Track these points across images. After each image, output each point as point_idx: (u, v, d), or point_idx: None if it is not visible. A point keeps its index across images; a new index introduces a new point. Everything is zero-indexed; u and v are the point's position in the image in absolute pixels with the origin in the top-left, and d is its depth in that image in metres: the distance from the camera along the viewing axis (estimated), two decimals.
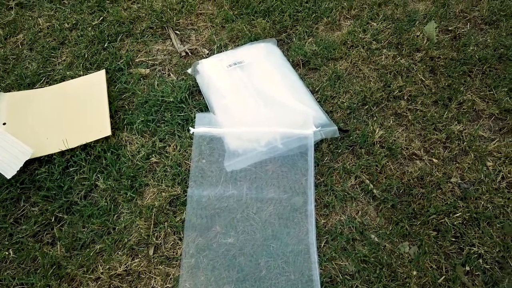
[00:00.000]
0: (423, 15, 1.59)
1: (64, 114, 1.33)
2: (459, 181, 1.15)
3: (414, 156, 1.21)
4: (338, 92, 1.35)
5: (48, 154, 1.23)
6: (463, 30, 1.54)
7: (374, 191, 1.13)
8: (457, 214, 1.08)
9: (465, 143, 1.22)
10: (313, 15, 1.60)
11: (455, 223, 1.07)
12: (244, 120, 1.19)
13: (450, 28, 1.55)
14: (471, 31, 1.53)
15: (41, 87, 1.41)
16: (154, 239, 1.07)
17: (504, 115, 1.29)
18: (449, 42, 1.50)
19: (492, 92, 1.34)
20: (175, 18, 1.62)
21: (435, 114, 1.29)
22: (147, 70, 1.46)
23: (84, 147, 1.23)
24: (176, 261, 1.04)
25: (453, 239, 1.05)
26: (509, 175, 1.15)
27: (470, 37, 1.50)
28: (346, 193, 1.13)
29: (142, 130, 1.28)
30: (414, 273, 0.99)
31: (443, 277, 0.99)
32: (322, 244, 1.05)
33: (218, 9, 1.65)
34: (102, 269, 1.03)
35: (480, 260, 1.02)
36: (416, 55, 1.45)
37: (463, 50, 1.46)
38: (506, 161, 1.18)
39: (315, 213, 1.10)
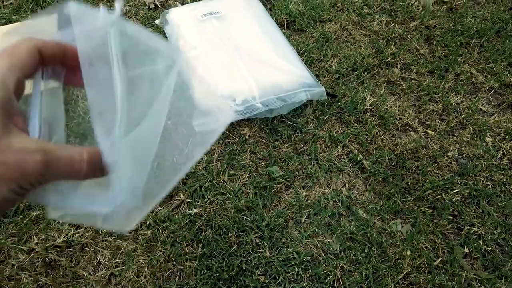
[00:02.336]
0: None
1: None
2: (457, 155, 1.03)
3: (408, 127, 1.08)
4: (326, 55, 1.20)
5: None
6: (459, 2, 1.43)
7: (364, 162, 0.99)
8: (455, 191, 0.96)
9: (463, 115, 1.10)
10: None
11: (453, 200, 0.94)
12: (216, 74, 1.03)
13: (445, 0, 1.44)
14: (467, 4, 1.42)
15: None
16: None
17: (503, 89, 1.18)
18: (445, 13, 1.38)
19: (491, 65, 1.23)
20: None
21: (431, 84, 1.16)
22: None
23: None
24: (129, 233, 0.87)
25: (451, 218, 0.92)
26: (510, 151, 1.04)
27: (467, 9, 1.39)
28: (332, 164, 0.99)
29: None
30: (408, 253, 0.86)
31: (440, 259, 0.86)
32: (303, 219, 0.90)
33: None
34: (37, 239, 0.85)
35: (480, 242, 0.89)
36: (411, 23, 1.33)
37: (460, 22, 1.35)
38: (507, 137, 1.07)
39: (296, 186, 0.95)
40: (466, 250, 0.89)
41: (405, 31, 1.30)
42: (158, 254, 0.84)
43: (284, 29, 1.28)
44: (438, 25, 1.33)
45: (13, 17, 1.24)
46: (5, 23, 1.23)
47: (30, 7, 1.26)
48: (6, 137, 0.22)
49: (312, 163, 0.99)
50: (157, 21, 1.23)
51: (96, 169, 0.25)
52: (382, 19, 1.33)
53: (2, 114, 0.23)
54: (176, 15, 1.15)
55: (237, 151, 0.99)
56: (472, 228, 0.91)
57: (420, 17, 1.34)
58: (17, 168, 0.22)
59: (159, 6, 1.33)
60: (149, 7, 1.33)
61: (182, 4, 1.33)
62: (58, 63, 0.28)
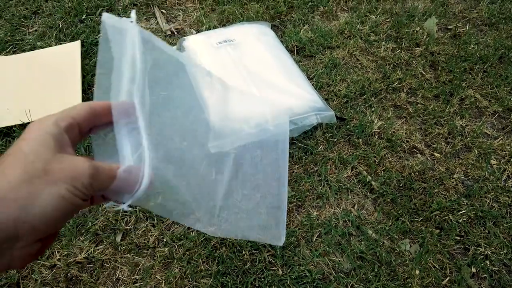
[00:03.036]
0: (422, 12, 1.53)
1: (31, 85, 1.18)
2: (463, 177, 1.06)
3: (414, 150, 1.11)
4: (335, 80, 1.25)
5: (8, 126, 1.08)
6: (462, 29, 1.49)
7: (372, 183, 1.02)
8: (462, 212, 0.99)
9: (468, 139, 1.13)
10: (309, 4, 1.52)
11: (460, 220, 0.97)
12: (232, 99, 1.08)
13: (449, 27, 1.49)
14: (471, 31, 1.48)
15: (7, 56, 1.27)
16: (123, 224, 0.93)
17: (507, 113, 1.22)
18: (449, 40, 1.44)
19: (494, 90, 1.27)
20: None
21: (436, 108, 1.20)
22: None
23: None
24: (147, 250, 0.90)
25: (458, 238, 0.95)
26: None
27: (470, 36, 1.45)
28: (341, 184, 1.03)
29: None
30: (416, 272, 0.88)
31: (448, 278, 0.89)
32: (314, 238, 0.93)
33: None
34: (59, 255, 0.88)
35: (487, 262, 0.92)
36: (416, 50, 1.38)
37: (463, 48, 1.40)
38: (511, 160, 1.10)
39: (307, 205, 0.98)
40: (474, 270, 0.91)
41: (411, 57, 1.35)
42: (175, 270, 0.87)
43: (295, 55, 1.33)
44: (443, 51, 1.38)
45: (37, 43, 1.31)
46: (30, 49, 1.30)
47: (54, 34, 1.33)
48: (61, 153, 0.29)
49: (323, 184, 1.02)
50: (173, 48, 1.29)
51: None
52: (388, 46, 1.38)
53: (56, 143, 0.29)
54: (192, 42, 1.21)
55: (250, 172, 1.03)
56: (479, 248, 0.94)
57: (425, 44, 1.40)
58: (72, 172, 0.28)
59: (175, 33, 1.40)
60: (165, 33, 1.40)
61: (197, 31, 1.39)
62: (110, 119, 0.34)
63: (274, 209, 0.37)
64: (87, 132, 0.34)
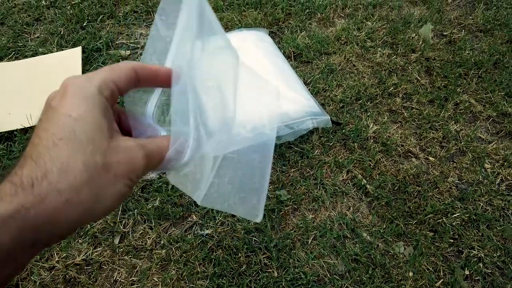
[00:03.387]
0: (418, 19, 1.56)
1: (32, 90, 1.20)
2: (457, 181, 1.07)
3: (409, 154, 1.13)
4: (331, 85, 1.27)
5: (9, 131, 1.10)
6: (458, 35, 1.51)
7: (367, 186, 1.04)
8: (455, 215, 1.00)
9: (462, 143, 1.15)
10: (307, 11, 1.54)
11: (454, 223, 0.98)
12: (230, 105, 1.10)
13: (445, 33, 1.52)
14: (466, 37, 1.50)
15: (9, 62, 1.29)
16: (122, 227, 0.95)
17: (501, 118, 1.23)
18: (444, 46, 1.46)
19: (488, 95, 1.29)
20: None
21: (431, 113, 1.22)
22: (128, 52, 1.36)
23: None
24: (145, 252, 0.92)
25: (451, 241, 0.96)
26: (508, 177, 1.08)
27: (465, 42, 1.47)
28: (337, 188, 1.04)
29: None
30: (410, 274, 0.90)
31: (441, 280, 0.90)
32: (310, 241, 0.95)
33: None
34: (58, 257, 0.90)
35: (480, 264, 0.93)
36: (411, 55, 1.40)
37: (458, 54, 1.42)
38: (505, 163, 1.11)
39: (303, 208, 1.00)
40: (467, 272, 0.92)
41: (406, 62, 1.37)
42: (172, 272, 0.88)
43: (292, 61, 1.35)
44: (438, 57, 1.40)
45: (39, 50, 1.33)
46: (32, 55, 1.32)
47: (55, 41, 1.36)
48: (114, 140, 0.27)
49: (318, 187, 1.04)
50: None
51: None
52: (384, 52, 1.40)
53: (107, 122, 0.27)
54: (189, 48, 1.23)
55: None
56: (472, 251, 0.95)
57: (420, 50, 1.42)
58: (129, 165, 0.27)
59: None
60: (165, 40, 1.42)
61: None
62: (153, 84, 0.32)
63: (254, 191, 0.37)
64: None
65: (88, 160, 0.25)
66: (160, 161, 0.30)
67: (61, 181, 0.24)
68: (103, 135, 0.26)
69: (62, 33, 1.39)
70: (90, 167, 0.25)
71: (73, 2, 1.50)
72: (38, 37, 1.39)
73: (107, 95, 0.28)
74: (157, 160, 0.30)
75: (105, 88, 0.28)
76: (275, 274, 0.89)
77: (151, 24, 1.47)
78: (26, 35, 1.39)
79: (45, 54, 1.31)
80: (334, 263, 0.92)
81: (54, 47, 1.34)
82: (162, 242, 0.93)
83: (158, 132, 0.34)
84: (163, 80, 0.31)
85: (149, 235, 0.94)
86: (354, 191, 1.04)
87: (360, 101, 1.24)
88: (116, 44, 1.39)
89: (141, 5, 1.52)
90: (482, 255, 0.94)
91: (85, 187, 0.24)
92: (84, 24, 1.43)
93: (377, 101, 1.25)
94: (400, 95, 1.27)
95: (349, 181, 1.06)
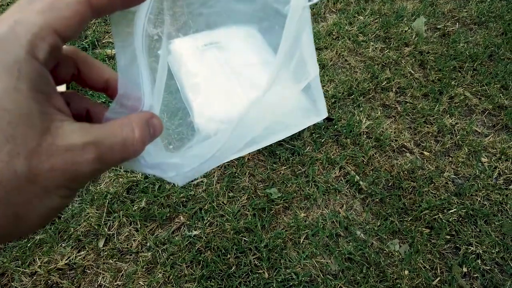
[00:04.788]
0: (410, 12, 1.53)
1: None
2: (453, 176, 1.04)
3: (403, 149, 1.10)
4: (323, 80, 1.24)
5: None
6: (452, 28, 1.48)
7: (361, 183, 1.01)
8: (452, 211, 0.97)
9: (458, 137, 1.12)
10: None
11: (450, 219, 0.95)
12: (217, 101, 1.07)
13: (438, 26, 1.49)
14: (460, 30, 1.47)
15: None
16: (106, 229, 0.92)
17: (497, 111, 1.20)
18: (438, 39, 1.43)
19: (484, 88, 1.26)
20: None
21: (426, 107, 1.19)
22: (114, 51, 1.32)
23: None
24: (130, 255, 0.88)
25: (448, 237, 0.93)
26: (506, 171, 1.05)
27: (460, 35, 1.44)
28: (329, 185, 1.01)
29: None
30: (406, 273, 0.86)
31: (438, 278, 0.87)
32: (302, 240, 0.91)
33: None
34: (40, 262, 0.86)
35: (479, 261, 0.90)
36: (405, 49, 1.37)
37: (453, 47, 1.39)
38: (502, 157, 1.08)
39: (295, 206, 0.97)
40: (465, 269, 0.89)
41: (399, 56, 1.34)
42: (158, 276, 0.85)
43: None
44: (432, 50, 1.37)
45: None
46: None
47: None
48: (47, 134, 0.18)
49: (310, 185, 1.01)
50: (159, 51, 1.28)
51: (148, 141, 0.23)
52: (376, 46, 1.37)
53: (39, 104, 0.18)
54: (178, 45, 1.20)
55: (236, 174, 1.01)
56: (470, 247, 0.92)
57: (413, 43, 1.39)
58: (68, 173, 0.18)
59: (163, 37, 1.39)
60: (153, 38, 1.39)
61: (184, 35, 1.39)
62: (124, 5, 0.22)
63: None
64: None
65: (3, 168, 0.17)
66: (123, 159, 0.21)
67: None
68: (32, 128, 0.18)
69: None
70: (11, 178, 0.17)
71: None
72: None
73: (44, 56, 0.18)
74: (117, 159, 0.21)
75: (41, 46, 0.18)
76: (266, 275, 0.85)
77: None
78: None
79: None
80: (327, 262, 0.88)
81: None
82: (148, 245, 0.89)
83: (141, 102, 0.24)
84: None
85: (134, 237, 0.90)
86: (347, 188, 1.01)
87: (352, 96, 1.21)
88: (103, 43, 1.35)
89: None
90: (480, 251, 0.91)
91: (5, 207, 0.17)
92: None
93: (370, 96, 1.22)
94: (394, 90, 1.24)
95: (342, 178, 1.03)
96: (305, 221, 0.94)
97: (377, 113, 1.17)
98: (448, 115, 1.18)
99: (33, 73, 0.18)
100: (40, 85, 0.18)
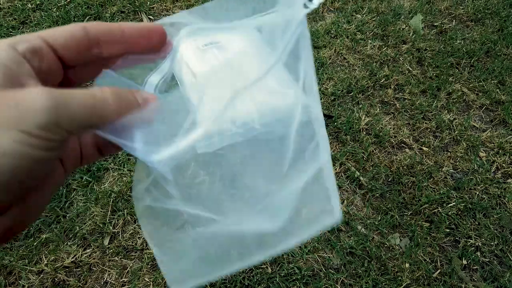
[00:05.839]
0: (408, 10, 1.54)
1: None
2: (452, 170, 1.06)
3: (403, 144, 1.11)
4: (322, 78, 1.26)
5: None
6: (448, 25, 1.50)
7: (361, 178, 1.02)
8: (451, 204, 0.98)
9: (456, 132, 1.13)
10: None
11: (449, 213, 0.97)
12: (218, 100, 1.08)
13: (435, 24, 1.50)
14: (457, 27, 1.49)
15: None
16: (111, 227, 0.93)
17: (495, 106, 1.22)
18: (435, 36, 1.44)
19: (481, 83, 1.27)
20: (148, 3, 1.52)
21: (424, 103, 1.21)
22: None
23: None
24: (135, 252, 0.90)
25: (448, 230, 0.94)
26: (503, 165, 1.07)
27: (456, 32, 1.46)
28: None
29: None
30: (407, 266, 0.88)
31: (439, 271, 0.88)
32: None
33: None
34: (47, 260, 0.88)
35: (478, 253, 0.91)
36: (402, 47, 1.39)
37: (450, 44, 1.41)
38: (500, 151, 1.10)
39: None
40: (465, 262, 0.90)
41: (397, 54, 1.36)
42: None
43: None
44: (429, 47, 1.39)
45: None
46: None
47: None
48: (12, 87, 0.19)
49: None
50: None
51: (125, 108, 0.21)
52: (374, 44, 1.39)
53: (5, 73, 0.19)
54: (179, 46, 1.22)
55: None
56: (469, 240, 0.93)
57: (411, 41, 1.41)
58: (15, 112, 0.18)
59: None
60: None
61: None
62: (122, 47, 0.23)
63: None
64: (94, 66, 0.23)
65: None
66: (91, 114, 0.20)
67: None
68: None
69: None
70: None
71: (59, 4, 1.48)
72: None
73: (23, 49, 0.20)
74: (81, 113, 0.19)
75: (22, 42, 0.20)
76: (269, 270, 0.87)
77: None
78: None
79: None
80: (329, 257, 0.90)
81: None
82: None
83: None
84: (136, 41, 0.23)
85: (139, 235, 0.92)
86: (348, 183, 1.03)
87: (351, 94, 1.22)
88: None
89: (128, 5, 1.50)
90: (480, 244, 0.93)
91: None
92: None
93: (369, 93, 1.23)
94: (392, 86, 1.26)
95: (342, 174, 1.04)
96: None
97: (376, 110, 1.18)
98: (446, 111, 1.19)
99: (7, 57, 0.20)
100: (11, 69, 0.20)
